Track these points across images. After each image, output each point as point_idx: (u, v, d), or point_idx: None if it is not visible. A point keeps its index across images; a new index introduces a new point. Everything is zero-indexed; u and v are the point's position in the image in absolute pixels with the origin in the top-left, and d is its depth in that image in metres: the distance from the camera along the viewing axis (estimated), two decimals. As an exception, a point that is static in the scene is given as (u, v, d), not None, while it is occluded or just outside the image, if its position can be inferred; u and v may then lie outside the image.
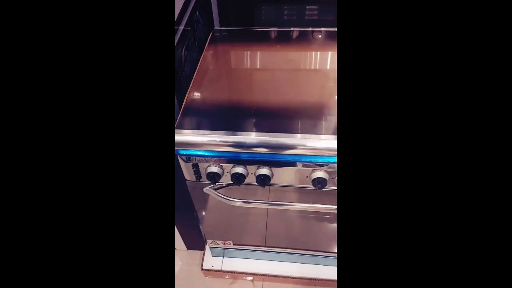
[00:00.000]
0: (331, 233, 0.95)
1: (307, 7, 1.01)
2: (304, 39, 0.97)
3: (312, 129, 0.65)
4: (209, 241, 1.02)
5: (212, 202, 0.87)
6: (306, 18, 1.03)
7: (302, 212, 0.89)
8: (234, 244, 1.02)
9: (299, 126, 0.67)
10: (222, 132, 0.65)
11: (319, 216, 0.90)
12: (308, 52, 0.91)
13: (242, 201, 0.75)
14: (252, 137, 0.64)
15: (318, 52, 0.91)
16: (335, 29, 0.99)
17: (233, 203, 0.75)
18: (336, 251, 1.00)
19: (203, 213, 0.91)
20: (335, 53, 0.91)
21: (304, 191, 0.77)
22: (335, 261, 1.09)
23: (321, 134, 0.64)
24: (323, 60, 0.89)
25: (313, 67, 0.87)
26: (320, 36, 0.97)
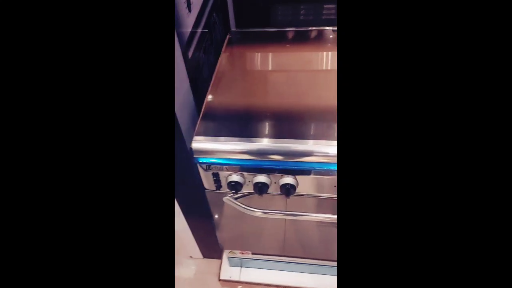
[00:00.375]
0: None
1: (324, 6, 0.97)
2: (322, 39, 0.92)
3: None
4: (226, 251, 0.98)
5: (230, 211, 0.83)
6: (323, 17, 0.98)
7: (320, 221, 0.84)
8: (252, 254, 0.98)
9: (324, 131, 0.62)
10: (244, 139, 0.61)
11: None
12: (326, 52, 0.86)
13: (263, 212, 0.71)
14: (275, 144, 0.60)
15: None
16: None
17: (253, 214, 0.71)
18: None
19: (221, 222, 0.88)
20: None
21: (321, 200, 0.73)
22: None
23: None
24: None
25: (332, 68, 0.83)
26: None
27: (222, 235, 0.94)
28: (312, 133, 0.62)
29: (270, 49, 0.90)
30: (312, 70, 0.81)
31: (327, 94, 0.71)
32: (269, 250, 0.99)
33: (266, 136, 0.62)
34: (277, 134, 0.62)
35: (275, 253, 1.00)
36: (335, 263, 0.99)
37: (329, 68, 0.81)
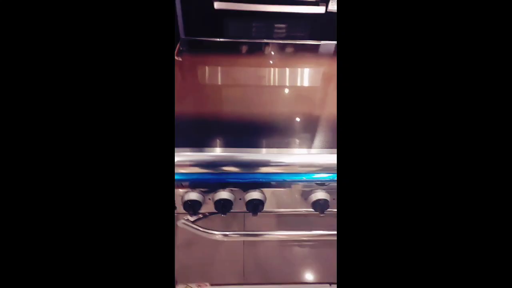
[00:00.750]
0: (320, 261, 0.85)
1: (275, 25, 0.95)
2: (275, 52, 0.90)
3: (306, 143, 0.56)
4: (181, 286, 0.85)
5: (184, 236, 0.72)
6: (274, 35, 0.96)
7: (284, 240, 0.78)
8: (211, 285, 0.86)
9: (292, 140, 0.57)
10: (201, 149, 0.53)
11: (302, 243, 0.79)
12: (279, 69, 0.83)
13: (223, 234, 0.62)
14: (237, 154, 0.53)
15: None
16: (304, 42, 0.94)
17: (213, 237, 0.62)
18: (327, 281, 0.90)
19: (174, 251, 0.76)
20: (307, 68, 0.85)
21: (285, 216, 0.66)
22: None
23: (316, 148, 0.55)
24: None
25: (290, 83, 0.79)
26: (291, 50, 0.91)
27: (176, 267, 0.81)
28: (281, 141, 0.56)
29: (222, 61, 0.84)
30: (265, 86, 0.76)
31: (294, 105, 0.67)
32: (229, 279, 0.88)
33: (228, 145, 0.54)
34: (241, 143, 0.55)
35: (235, 281, 0.89)
36: (304, 286, 0.92)
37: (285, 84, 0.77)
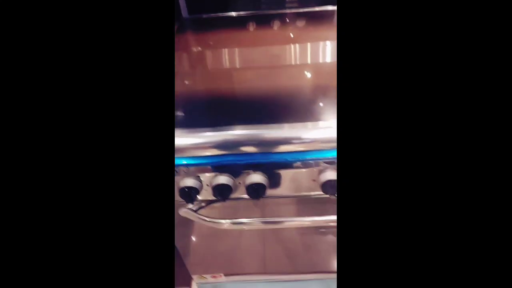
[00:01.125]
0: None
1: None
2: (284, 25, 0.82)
3: (314, 115, 0.49)
4: (195, 277, 0.82)
5: (193, 225, 0.69)
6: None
7: (305, 227, 0.71)
8: (226, 276, 0.83)
9: (298, 112, 0.50)
10: (196, 129, 0.48)
11: (328, 229, 0.72)
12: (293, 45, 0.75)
13: (231, 222, 0.57)
14: (236, 132, 0.47)
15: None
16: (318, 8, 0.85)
17: (220, 226, 0.57)
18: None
19: (184, 241, 0.72)
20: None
21: (309, 200, 0.60)
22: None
23: (328, 120, 0.48)
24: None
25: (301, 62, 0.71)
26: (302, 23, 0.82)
27: (188, 258, 0.78)
28: (283, 115, 0.49)
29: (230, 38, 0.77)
30: (278, 66, 0.68)
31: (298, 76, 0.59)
32: (248, 269, 0.84)
33: (225, 123, 0.48)
34: (239, 120, 0.49)
35: (255, 271, 0.85)
36: (328, 275, 0.86)
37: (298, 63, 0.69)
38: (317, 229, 0.72)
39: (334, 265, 0.84)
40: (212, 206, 0.59)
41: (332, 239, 0.76)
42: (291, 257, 0.81)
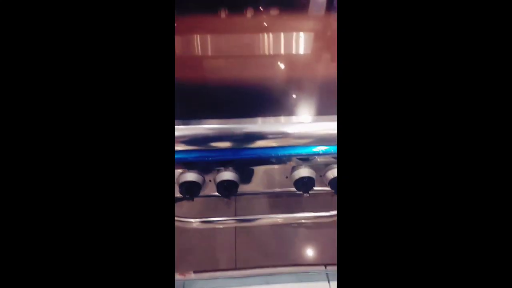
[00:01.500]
0: (315, 242, 0.78)
1: None
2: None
3: (288, 110, 0.47)
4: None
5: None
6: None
7: (278, 223, 0.70)
8: (195, 273, 0.80)
9: (271, 106, 0.47)
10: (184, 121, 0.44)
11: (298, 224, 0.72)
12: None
13: (200, 221, 0.54)
14: (206, 126, 0.44)
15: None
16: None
17: (189, 225, 0.54)
18: (324, 262, 0.83)
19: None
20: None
21: (273, 197, 0.58)
22: (323, 276, 0.92)
23: (302, 114, 0.46)
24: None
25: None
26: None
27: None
28: (255, 109, 0.46)
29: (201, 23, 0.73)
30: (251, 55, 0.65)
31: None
32: (219, 265, 0.82)
33: (193, 117, 0.45)
34: (207, 113, 0.46)
35: (226, 267, 0.83)
36: (300, 268, 0.86)
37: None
38: (289, 224, 0.71)
39: (303, 258, 0.84)
40: (180, 204, 0.56)
41: (304, 232, 0.76)
42: (263, 251, 0.80)
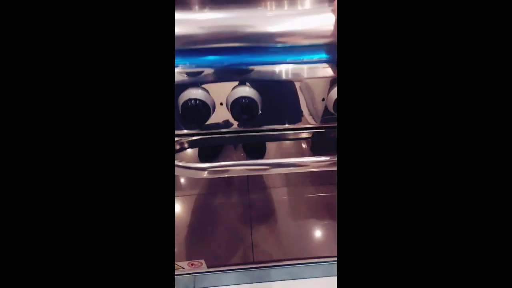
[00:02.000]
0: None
1: None
2: None
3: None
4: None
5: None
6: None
7: (295, 215, 0.63)
8: (206, 264, 0.67)
9: None
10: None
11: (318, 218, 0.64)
12: None
13: (213, 169, 0.43)
14: (208, 18, 0.34)
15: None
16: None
17: (199, 175, 0.43)
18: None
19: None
20: None
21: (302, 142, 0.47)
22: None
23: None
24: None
25: None
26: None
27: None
28: None
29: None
30: None
31: None
32: (233, 259, 0.69)
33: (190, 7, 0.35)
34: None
35: (241, 261, 0.70)
36: (321, 259, 0.73)
37: None
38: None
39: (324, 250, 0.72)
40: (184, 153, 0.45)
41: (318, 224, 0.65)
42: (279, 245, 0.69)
